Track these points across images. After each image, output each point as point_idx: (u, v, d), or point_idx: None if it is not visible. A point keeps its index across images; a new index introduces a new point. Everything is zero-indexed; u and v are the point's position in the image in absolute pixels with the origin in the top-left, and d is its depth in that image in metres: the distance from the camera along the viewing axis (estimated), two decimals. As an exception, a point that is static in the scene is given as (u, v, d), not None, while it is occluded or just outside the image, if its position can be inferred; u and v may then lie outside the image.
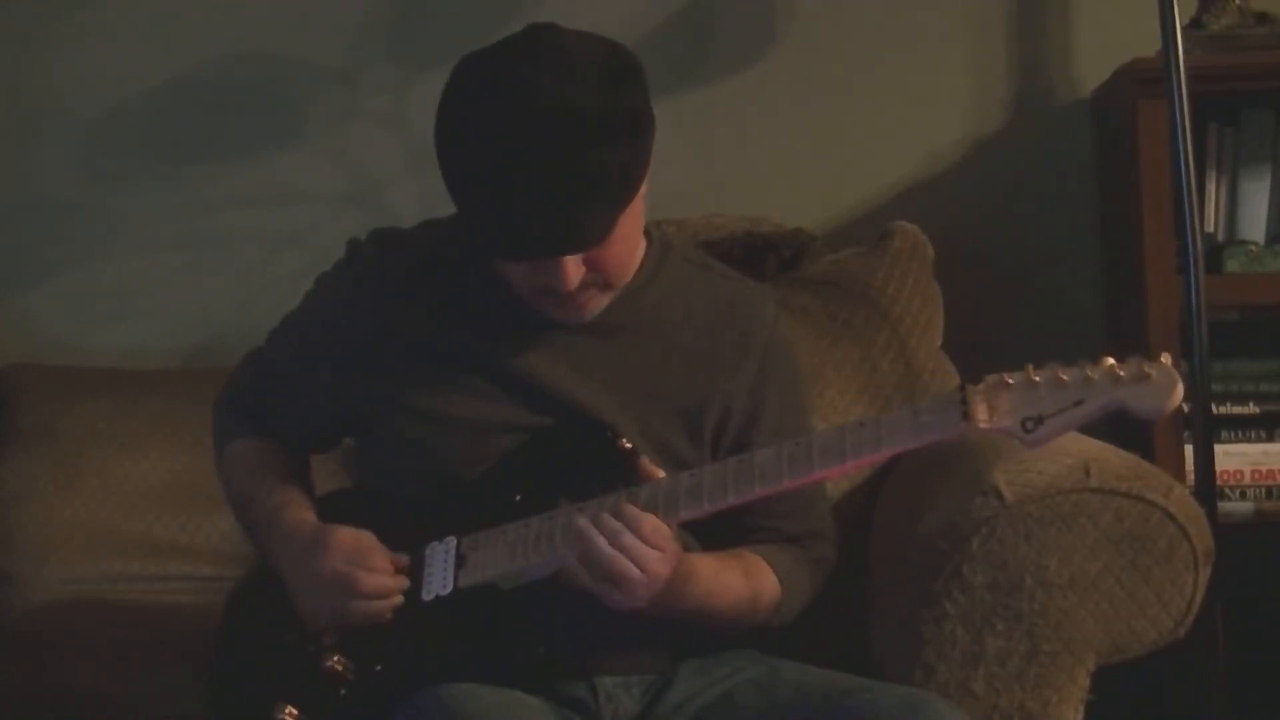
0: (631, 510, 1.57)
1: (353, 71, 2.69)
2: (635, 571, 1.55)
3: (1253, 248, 2.35)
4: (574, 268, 1.61)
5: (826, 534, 1.85)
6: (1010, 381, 1.49)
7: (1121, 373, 1.47)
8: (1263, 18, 2.41)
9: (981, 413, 1.48)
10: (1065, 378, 1.47)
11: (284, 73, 2.69)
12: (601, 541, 1.55)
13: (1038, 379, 1.48)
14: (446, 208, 1.87)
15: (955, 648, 1.76)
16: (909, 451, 2.18)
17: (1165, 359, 1.47)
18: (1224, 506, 2.26)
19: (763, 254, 2.44)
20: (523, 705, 1.57)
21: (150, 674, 2.04)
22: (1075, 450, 1.80)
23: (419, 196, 2.59)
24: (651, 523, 1.56)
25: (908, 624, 1.79)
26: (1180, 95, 2.16)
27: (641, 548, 1.55)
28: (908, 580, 1.82)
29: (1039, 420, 1.48)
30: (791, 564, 1.78)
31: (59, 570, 2.39)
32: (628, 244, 1.68)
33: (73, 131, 2.72)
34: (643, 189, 1.65)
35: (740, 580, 1.72)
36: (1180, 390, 1.46)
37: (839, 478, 2.06)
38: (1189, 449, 2.26)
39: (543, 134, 1.57)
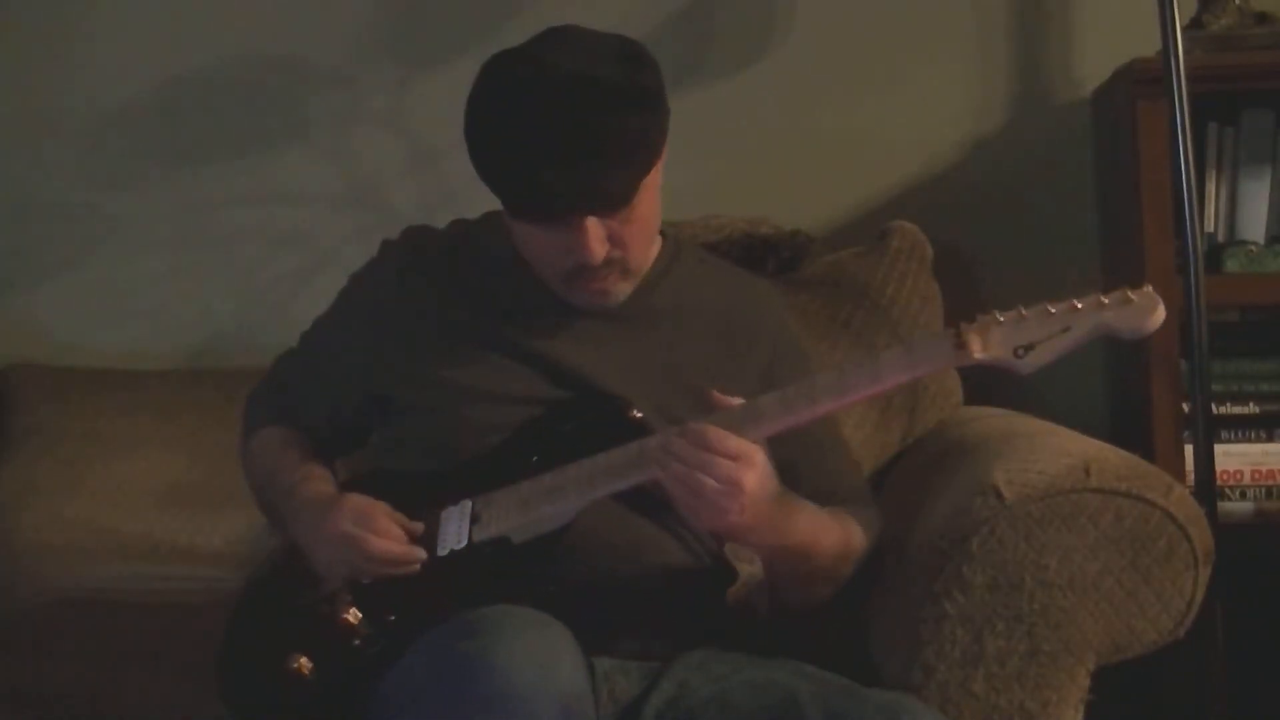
0: (695, 427, 1.62)
1: (353, 71, 2.69)
2: (712, 483, 1.59)
3: (1253, 248, 2.35)
4: (598, 237, 1.70)
5: (870, 500, 1.94)
6: (1001, 319, 1.60)
7: (1105, 299, 1.58)
8: (1263, 18, 2.40)
9: (975, 345, 1.58)
10: (1052, 310, 1.59)
11: (284, 73, 2.69)
12: (680, 449, 1.61)
13: (1026, 314, 1.59)
14: (445, 207, 1.88)
15: (955, 648, 1.76)
16: (909, 449, 2.23)
17: (1148, 286, 1.57)
18: (1224, 506, 2.26)
19: (762, 255, 2.44)
20: (553, 625, 1.58)
21: (150, 674, 2.04)
22: (1075, 450, 1.80)
23: (419, 196, 2.59)
24: (717, 433, 1.61)
25: (908, 624, 1.79)
26: (1180, 95, 2.16)
27: (709, 456, 1.60)
28: (908, 580, 1.81)
29: (1029, 347, 1.58)
30: (862, 514, 1.86)
31: (59, 570, 2.39)
32: (646, 226, 1.77)
33: (73, 131, 2.72)
34: (659, 171, 1.73)
35: (834, 521, 1.80)
36: (1162, 310, 1.56)
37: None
38: (1189, 449, 2.26)
39: (565, 101, 1.66)
